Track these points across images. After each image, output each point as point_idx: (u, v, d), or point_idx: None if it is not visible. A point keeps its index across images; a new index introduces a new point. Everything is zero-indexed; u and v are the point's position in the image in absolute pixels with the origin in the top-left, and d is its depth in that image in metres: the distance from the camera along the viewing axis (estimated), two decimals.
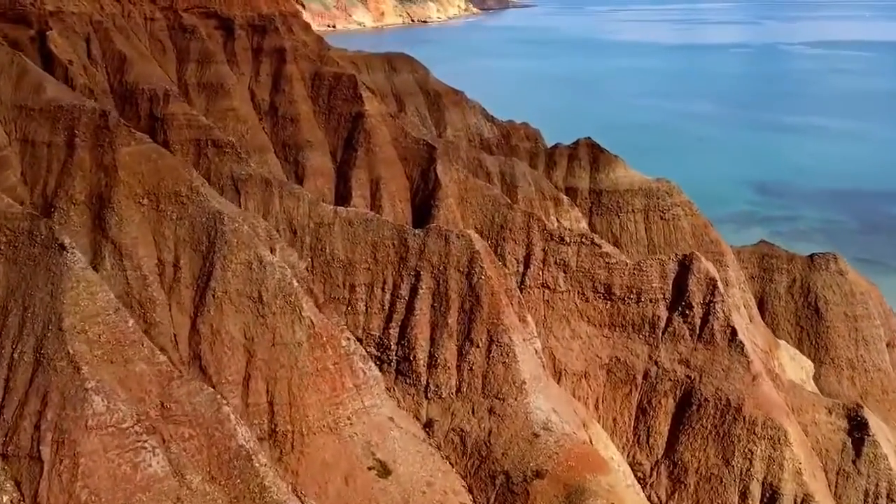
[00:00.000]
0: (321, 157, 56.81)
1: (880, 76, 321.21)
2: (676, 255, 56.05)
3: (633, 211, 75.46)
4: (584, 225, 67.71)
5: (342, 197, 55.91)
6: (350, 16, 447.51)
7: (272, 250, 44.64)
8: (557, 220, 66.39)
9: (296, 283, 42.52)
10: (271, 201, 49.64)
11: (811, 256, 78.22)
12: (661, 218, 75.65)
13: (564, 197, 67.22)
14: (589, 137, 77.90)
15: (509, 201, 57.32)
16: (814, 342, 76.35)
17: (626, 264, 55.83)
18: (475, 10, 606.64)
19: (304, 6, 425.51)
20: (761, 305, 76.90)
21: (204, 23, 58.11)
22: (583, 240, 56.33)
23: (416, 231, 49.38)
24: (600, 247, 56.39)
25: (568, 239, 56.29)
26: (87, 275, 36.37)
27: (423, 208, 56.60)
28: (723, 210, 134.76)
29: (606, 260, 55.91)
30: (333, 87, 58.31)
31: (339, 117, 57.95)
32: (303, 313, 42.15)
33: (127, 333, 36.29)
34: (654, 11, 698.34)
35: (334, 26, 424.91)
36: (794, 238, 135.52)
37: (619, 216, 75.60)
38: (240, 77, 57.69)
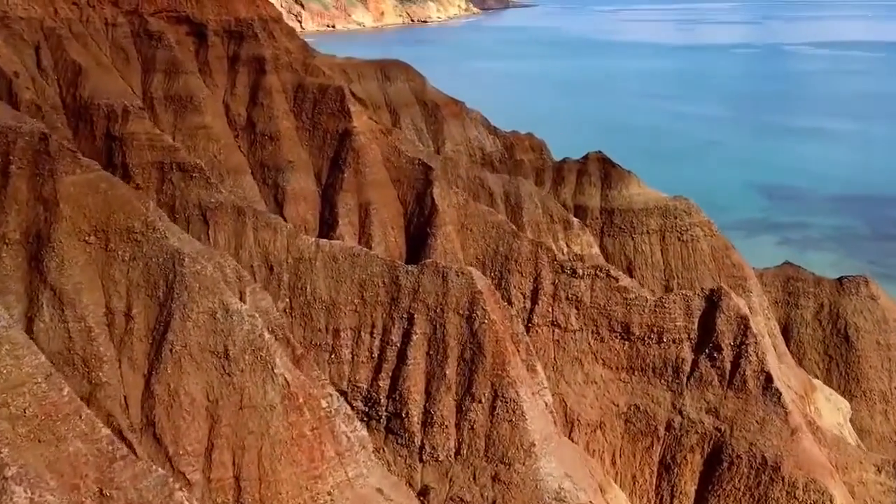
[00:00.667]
0: (304, 179, 50.63)
1: (887, 77, 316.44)
2: (703, 289, 49.92)
3: (647, 232, 69.35)
4: (595, 250, 61.57)
5: (327, 224, 49.76)
6: (349, 16, 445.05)
7: (241, 295, 38.45)
8: (567, 246, 60.28)
9: (268, 336, 36.34)
10: (244, 233, 43.46)
11: (840, 280, 72.49)
12: (679, 239, 69.56)
13: (574, 220, 61.05)
14: (599, 151, 71.77)
15: (515, 228, 51.17)
16: (843, 373, 70.56)
17: (647, 300, 49.70)
18: (475, 9, 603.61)
19: (303, 6, 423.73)
20: (786, 333, 71.22)
21: (173, 28, 51.93)
22: (597, 272, 50.20)
23: (410, 268, 43.22)
24: (617, 280, 50.26)
25: (581, 271, 50.15)
26: (12, 335, 30.09)
27: (418, 237, 50.45)
28: (732, 216, 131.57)
29: (624, 295, 49.80)
30: (318, 101, 52.14)
31: (324, 134, 51.79)
32: (276, 370, 35.99)
33: (60, 405, 30.02)
34: (655, 11, 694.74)
35: (334, 26, 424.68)
36: (806, 246, 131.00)
37: (632, 237, 69.46)
38: (213, 89, 51.51)
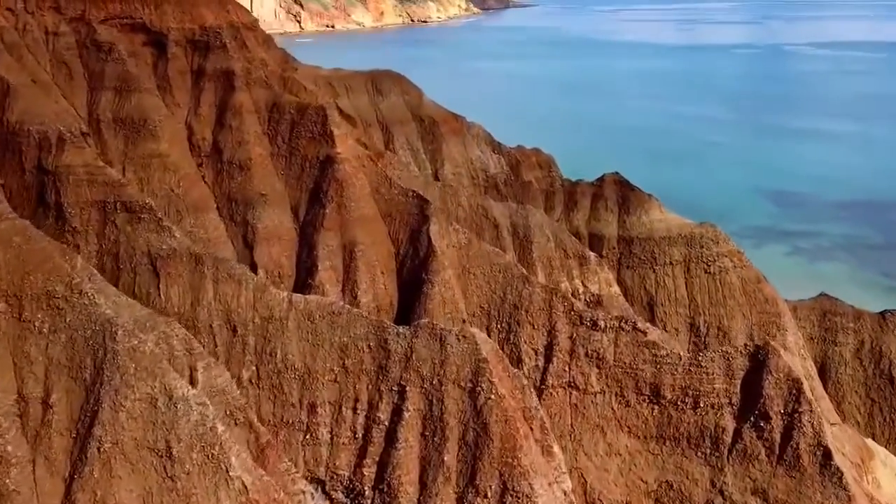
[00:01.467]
0: (279, 215, 43.15)
1: (889, 78, 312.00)
2: (747, 346, 42.49)
3: (671, 263, 61.86)
4: (615, 289, 54.14)
5: (305, 268, 42.29)
6: (349, 16, 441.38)
7: (192, 372, 31.08)
8: (583, 284, 52.88)
9: (221, 428, 28.95)
10: (202, 287, 36.05)
11: (883, 314, 65.21)
12: (706, 271, 62.08)
13: (591, 254, 53.59)
14: (616, 173, 64.33)
15: (525, 272, 43.72)
16: (888, 419, 63.30)
17: (680, 357, 42.31)
18: (475, 9, 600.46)
19: (302, 6, 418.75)
20: (822, 373, 63.97)
21: (127, 38, 44.45)
22: (622, 324, 42.79)
23: (401, 329, 35.82)
24: (645, 333, 42.90)
25: (603, 323, 42.75)
26: None
27: (412, 282, 43.04)
28: (739, 223, 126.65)
29: (654, 351, 42.43)
30: (296, 122, 44.68)
31: (303, 162, 44.34)
32: (231, 472, 28.64)
33: None
34: (655, 11, 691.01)
35: (333, 26, 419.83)
36: (816, 256, 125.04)
37: (654, 270, 61.99)
38: (173, 109, 44.01)
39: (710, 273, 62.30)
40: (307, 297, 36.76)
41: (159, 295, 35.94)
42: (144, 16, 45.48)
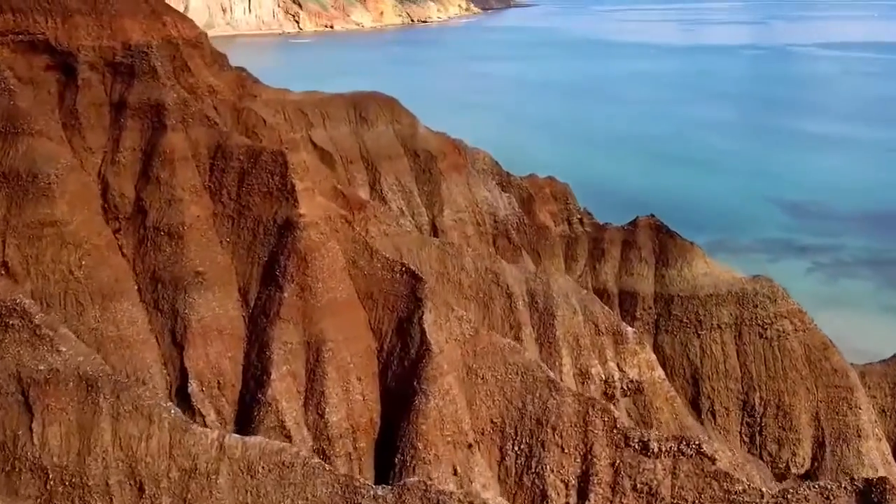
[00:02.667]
0: (221, 300, 32.00)
1: None
2: (852, 480, 31.32)
3: (718, 327, 50.86)
4: (659, 373, 42.99)
5: (255, 378, 31.12)
6: (348, 16, 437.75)
7: None
8: (619, 369, 41.79)
9: None
10: (95, 426, 24.97)
11: None
12: (761, 336, 51.13)
13: (629, 330, 42.39)
14: (652, 216, 53.27)
15: (551, 376, 32.53)
16: None
17: (761, 495, 31.22)
18: (476, 9, 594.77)
19: (301, 6, 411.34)
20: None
21: (23, 61, 33.17)
22: (681, 447, 31.68)
23: (380, 491, 24.72)
24: (713, 461, 31.83)
25: (656, 446, 31.68)
26: None
27: (400, 391, 31.92)
28: (754, 236, 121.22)
29: (725, 485, 31.44)
30: (248, 172, 33.59)
31: (255, 226, 33.26)
32: None
33: None
34: (657, 11, 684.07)
35: (332, 27, 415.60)
36: (838, 273, 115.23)
37: (698, 335, 50.95)
38: (83, 156, 32.78)
39: (766, 338, 51.29)
40: (246, 439, 25.61)
41: (31, 439, 24.82)
42: (48, 30, 34.25)
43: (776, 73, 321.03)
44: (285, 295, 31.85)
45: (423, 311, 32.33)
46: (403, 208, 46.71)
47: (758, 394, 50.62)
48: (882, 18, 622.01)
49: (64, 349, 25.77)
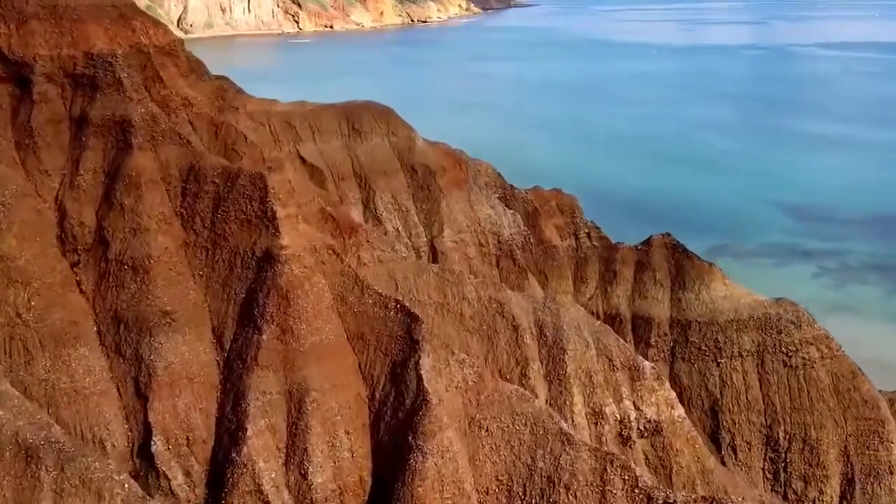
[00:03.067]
0: (192, 343, 28.26)
1: None
2: None
3: (739, 354, 47.21)
4: (679, 413, 39.21)
5: (229, 433, 27.38)
6: (348, 16, 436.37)
7: None
8: (635, 407, 38.07)
9: None
10: None
11: None
12: (785, 365, 47.51)
13: (646, 365, 38.63)
14: (667, 235, 49.56)
15: (564, 427, 28.78)
16: None
17: None
18: (476, 9, 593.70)
19: (300, 6, 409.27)
20: None
21: None
22: None
23: None
24: None
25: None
26: None
27: (394, 446, 28.14)
28: (758, 240, 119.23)
29: None
30: (223, 197, 29.86)
31: (231, 258, 29.54)
32: None
33: None
34: (658, 11, 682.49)
35: (332, 27, 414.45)
36: (846, 278, 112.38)
37: (718, 363, 47.30)
38: (39, 180, 28.98)
39: (790, 367, 47.66)
40: None
41: None
42: (0, 38, 30.55)
43: (777, 73, 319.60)
44: (264, 338, 28.08)
45: (419, 355, 28.61)
46: (399, 228, 42.95)
47: (782, 427, 46.94)
48: (883, 18, 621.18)
49: (1, 413, 22.02)
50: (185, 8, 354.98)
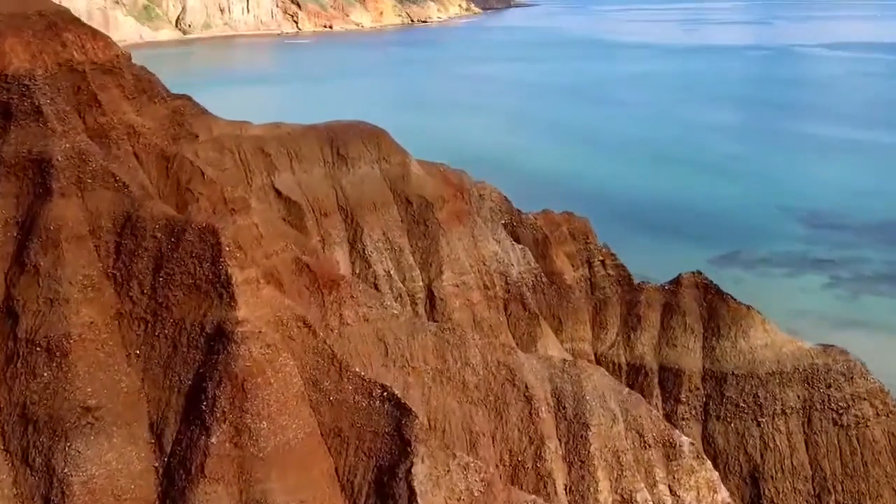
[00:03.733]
0: (121, 449, 22.10)
1: None
2: None
3: (783, 412, 41.12)
4: (724, 497, 32.98)
5: None
6: (348, 16, 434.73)
7: None
8: (671, 492, 31.94)
9: None
10: None
11: None
12: (836, 423, 41.43)
13: (684, 441, 32.39)
14: (698, 273, 43.29)
15: None
16: None
17: None
18: (476, 9, 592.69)
19: (299, 6, 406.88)
20: None
21: None
22: None
23: None
24: None
25: None
26: None
27: None
28: (768, 248, 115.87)
29: None
30: (167, 256, 23.74)
31: (176, 333, 23.42)
32: None
33: None
34: (659, 11, 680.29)
35: (331, 27, 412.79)
36: (859, 288, 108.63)
37: (758, 422, 41.16)
38: None
39: (841, 426, 41.52)
40: None
41: None
42: None
43: (781, 74, 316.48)
44: (213, 441, 21.90)
45: (412, 460, 22.44)
46: (392, 271, 36.76)
47: (833, 496, 40.81)
48: (884, 18, 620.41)
49: None
50: (184, 8, 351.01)
